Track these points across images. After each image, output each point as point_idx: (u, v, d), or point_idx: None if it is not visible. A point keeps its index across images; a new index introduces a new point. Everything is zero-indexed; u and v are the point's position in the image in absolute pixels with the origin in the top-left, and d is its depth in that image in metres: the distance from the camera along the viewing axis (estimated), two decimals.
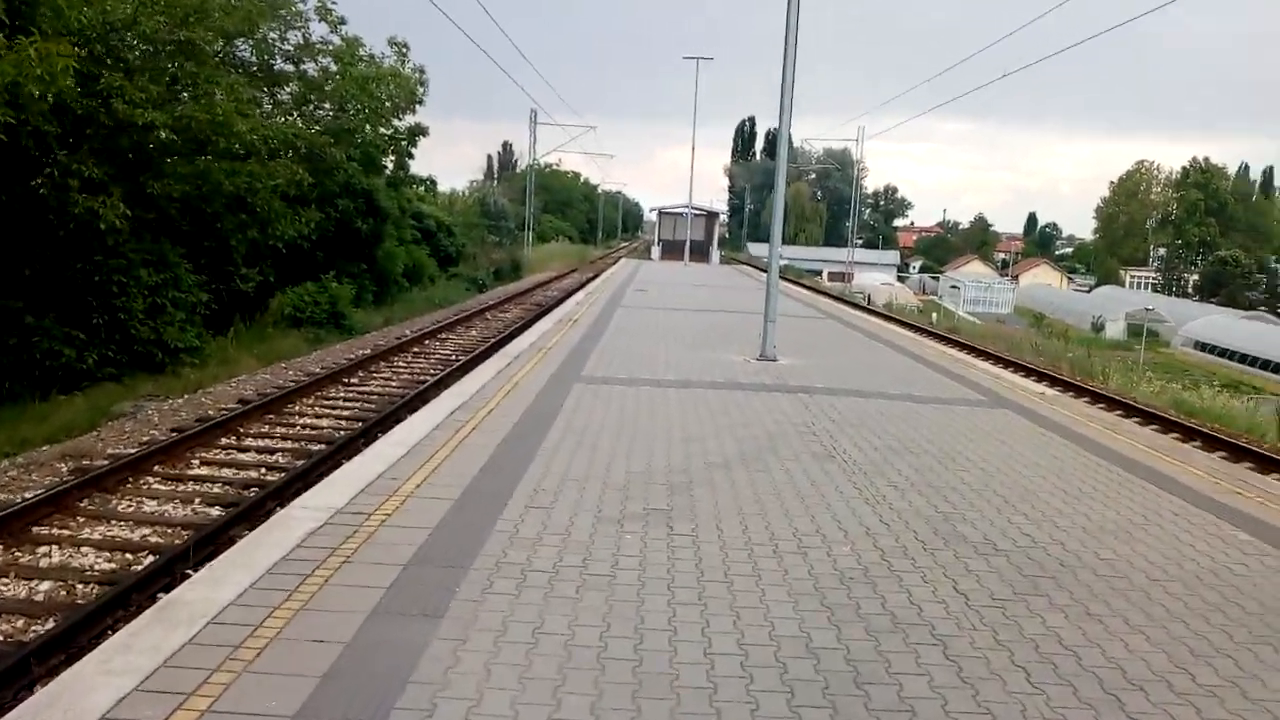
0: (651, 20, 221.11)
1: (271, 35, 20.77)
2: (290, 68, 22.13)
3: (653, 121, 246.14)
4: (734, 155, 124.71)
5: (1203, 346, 52.95)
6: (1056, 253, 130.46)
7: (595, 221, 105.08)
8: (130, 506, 8.77)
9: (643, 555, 5.25)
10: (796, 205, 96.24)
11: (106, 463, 9.86)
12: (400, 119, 25.78)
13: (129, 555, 7.57)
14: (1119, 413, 14.71)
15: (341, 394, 14.55)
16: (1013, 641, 4.38)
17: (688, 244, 50.84)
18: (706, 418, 9.20)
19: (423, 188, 35.28)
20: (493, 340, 20.36)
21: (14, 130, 12.22)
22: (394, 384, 15.68)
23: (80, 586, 6.90)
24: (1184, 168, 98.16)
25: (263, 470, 10.16)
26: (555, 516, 5.85)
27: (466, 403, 9.27)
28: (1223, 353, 50.55)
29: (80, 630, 5.83)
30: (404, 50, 24.87)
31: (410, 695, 3.61)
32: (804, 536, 5.72)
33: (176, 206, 17.38)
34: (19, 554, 7.47)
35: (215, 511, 8.65)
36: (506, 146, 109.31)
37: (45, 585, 6.92)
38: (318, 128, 22.29)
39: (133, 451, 10.33)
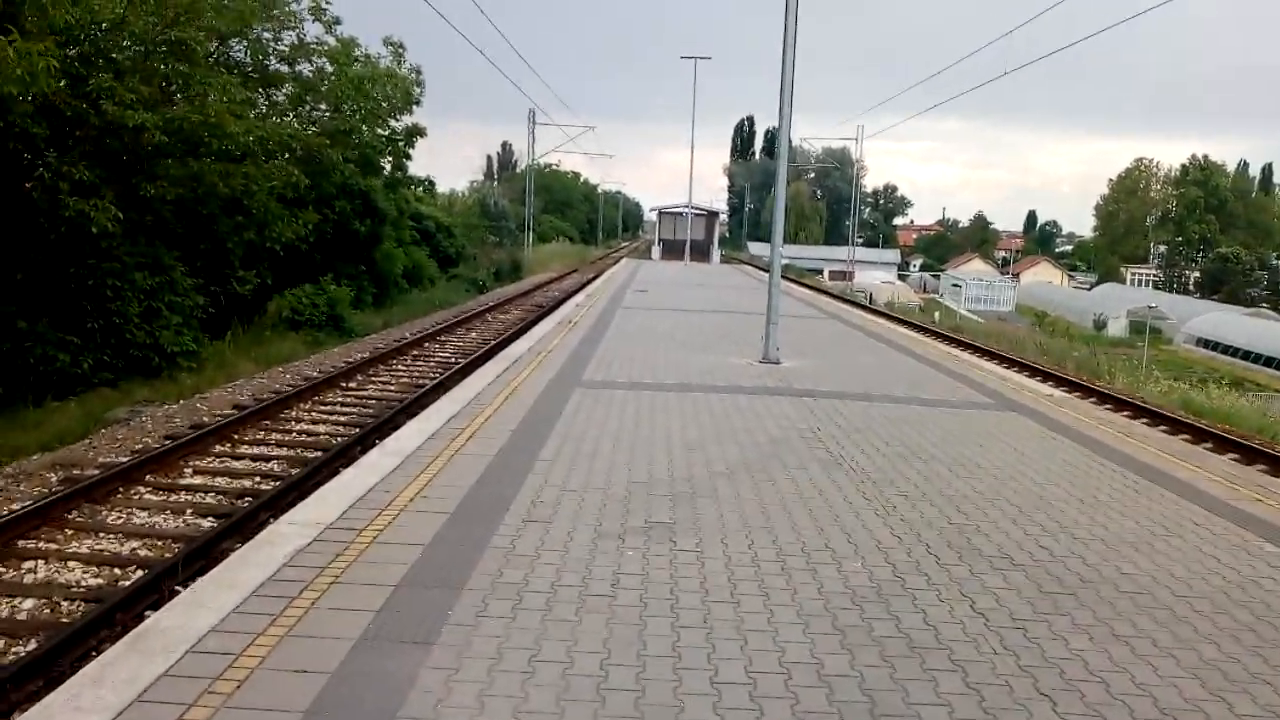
0: (649, 20, 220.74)
1: (265, 35, 20.56)
2: (285, 68, 21.93)
3: (651, 122, 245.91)
4: (733, 154, 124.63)
5: (1205, 343, 52.72)
6: (1057, 250, 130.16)
7: (595, 222, 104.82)
8: (120, 518, 8.54)
9: (645, 573, 5.03)
10: (796, 204, 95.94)
11: (97, 472, 9.64)
12: (397, 120, 25.60)
13: (117, 570, 7.35)
14: (1127, 413, 14.48)
15: (339, 399, 14.34)
16: (1036, 667, 4.15)
17: (688, 244, 50.63)
18: (709, 424, 8.98)
19: (421, 189, 35.00)
20: (492, 343, 20.13)
21: (1, 133, 12.01)
22: (392, 388, 15.46)
23: (65, 604, 6.68)
24: (1183, 165, 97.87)
25: (257, 479, 9.94)
26: (554, 531, 5.63)
27: (464, 409, 9.06)
28: (1225, 350, 50.32)
29: (61, 653, 5.60)
30: (400, 50, 24.70)
31: None
32: (813, 552, 5.49)
33: (171, 209, 17.19)
34: (3, 569, 7.25)
35: (207, 523, 8.43)
36: (506, 147, 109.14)
37: (29, 603, 6.70)
38: (314, 129, 22.09)
39: (124, 460, 10.11)
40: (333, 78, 22.59)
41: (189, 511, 8.74)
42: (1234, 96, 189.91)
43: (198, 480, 9.81)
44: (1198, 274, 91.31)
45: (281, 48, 21.57)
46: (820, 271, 73.03)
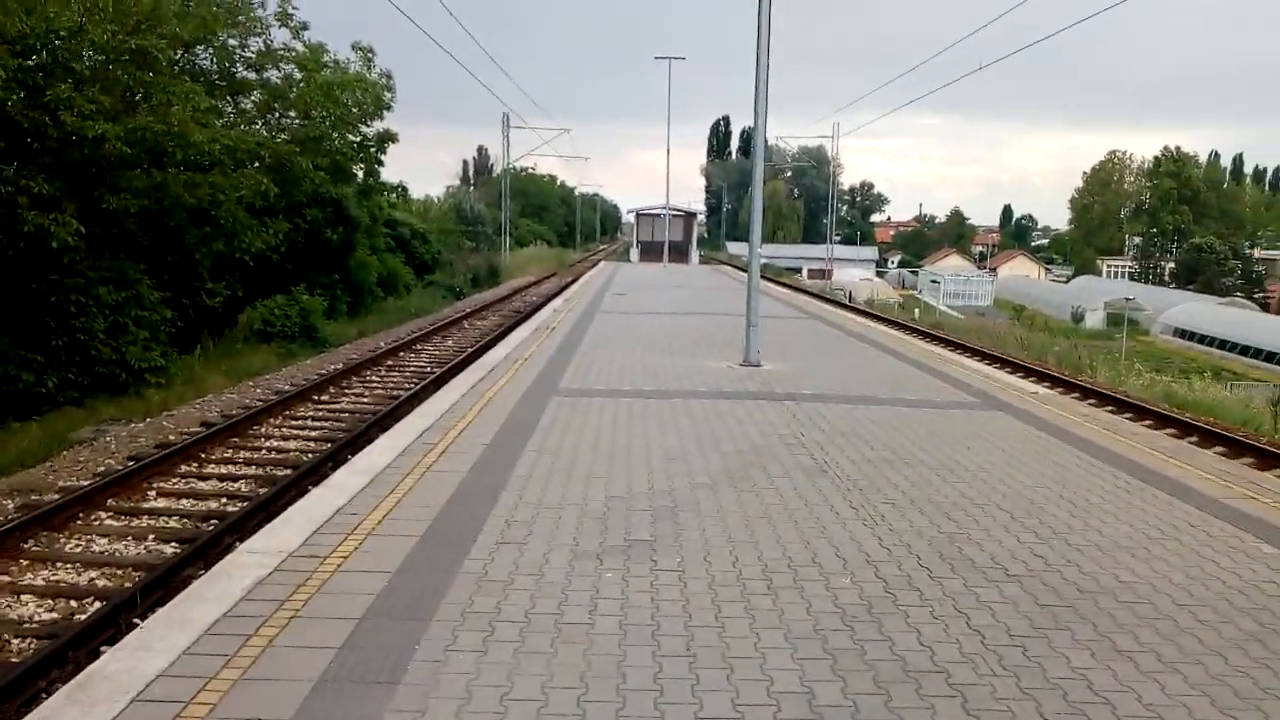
0: (620, 20, 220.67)
1: (231, 42, 20.17)
2: (253, 75, 21.55)
3: (626, 123, 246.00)
4: (709, 154, 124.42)
5: (1182, 334, 53.00)
6: (1033, 244, 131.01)
7: (573, 224, 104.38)
8: (79, 546, 8.21)
9: (624, 597, 4.78)
10: (774, 203, 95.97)
11: (57, 497, 9.29)
12: (368, 125, 25.24)
13: (73, 602, 7.02)
14: (1111, 409, 14.36)
15: (310, 413, 14.00)
16: (1038, 689, 3.93)
17: (666, 245, 50.36)
18: (690, 431, 8.74)
19: (394, 195, 34.59)
20: (469, 351, 19.83)
21: None
22: (365, 400, 15.14)
23: (16, 641, 6.35)
24: (1156, 157, 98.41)
25: (224, 500, 9.62)
26: (529, 553, 5.36)
27: (438, 421, 8.77)
28: (1202, 339, 50.59)
29: (6, 698, 5.28)
30: (370, 55, 24.34)
31: None
32: (800, 567, 5.26)
33: (135, 221, 16.78)
34: None
35: (170, 549, 8.11)
36: (482, 151, 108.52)
37: None
38: (283, 136, 21.71)
39: (85, 484, 9.76)
40: (301, 84, 22.20)
41: (151, 537, 8.40)
42: (1202, 86, 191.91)
43: (161, 503, 9.48)
44: (1172, 265, 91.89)
45: (248, 54, 21.20)
46: (799, 270, 73.06)
